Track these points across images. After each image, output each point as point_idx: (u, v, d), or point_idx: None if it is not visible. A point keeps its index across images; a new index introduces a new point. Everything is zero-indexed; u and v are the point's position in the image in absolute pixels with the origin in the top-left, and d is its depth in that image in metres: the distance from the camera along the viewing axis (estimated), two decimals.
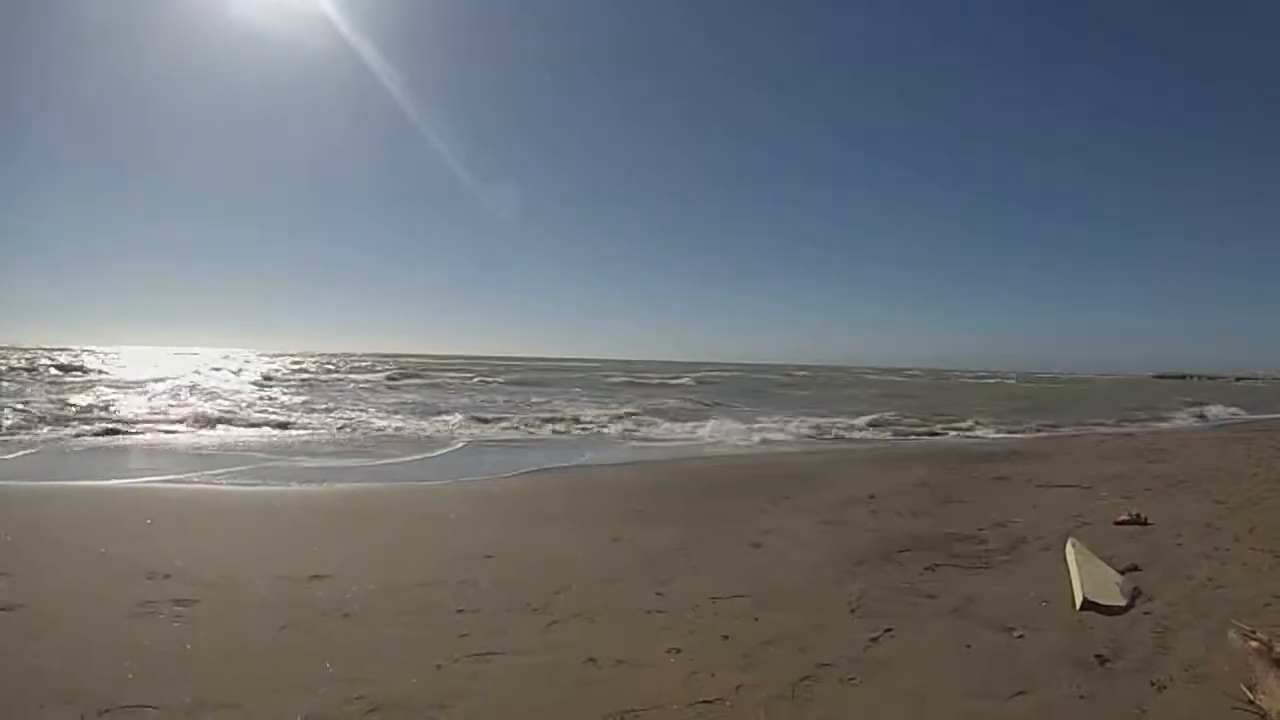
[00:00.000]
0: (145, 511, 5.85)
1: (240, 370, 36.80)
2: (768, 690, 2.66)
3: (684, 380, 37.65)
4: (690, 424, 14.32)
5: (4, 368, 28.38)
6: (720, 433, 13.14)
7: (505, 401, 20.81)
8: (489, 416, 15.48)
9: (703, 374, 47.62)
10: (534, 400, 20.82)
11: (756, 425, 13.94)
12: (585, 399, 21.83)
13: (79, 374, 27.33)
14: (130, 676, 2.73)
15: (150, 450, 10.09)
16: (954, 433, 14.88)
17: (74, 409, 14.13)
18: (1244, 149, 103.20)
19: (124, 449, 10.16)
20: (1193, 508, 6.04)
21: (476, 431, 13.14)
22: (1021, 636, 3.14)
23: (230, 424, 13.20)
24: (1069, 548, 4.31)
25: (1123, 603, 3.57)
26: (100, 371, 29.48)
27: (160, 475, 7.79)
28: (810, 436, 13.35)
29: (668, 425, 14.32)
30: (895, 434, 14.18)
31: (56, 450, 9.83)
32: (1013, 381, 58.88)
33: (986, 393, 36.12)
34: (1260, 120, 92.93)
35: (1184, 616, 3.39)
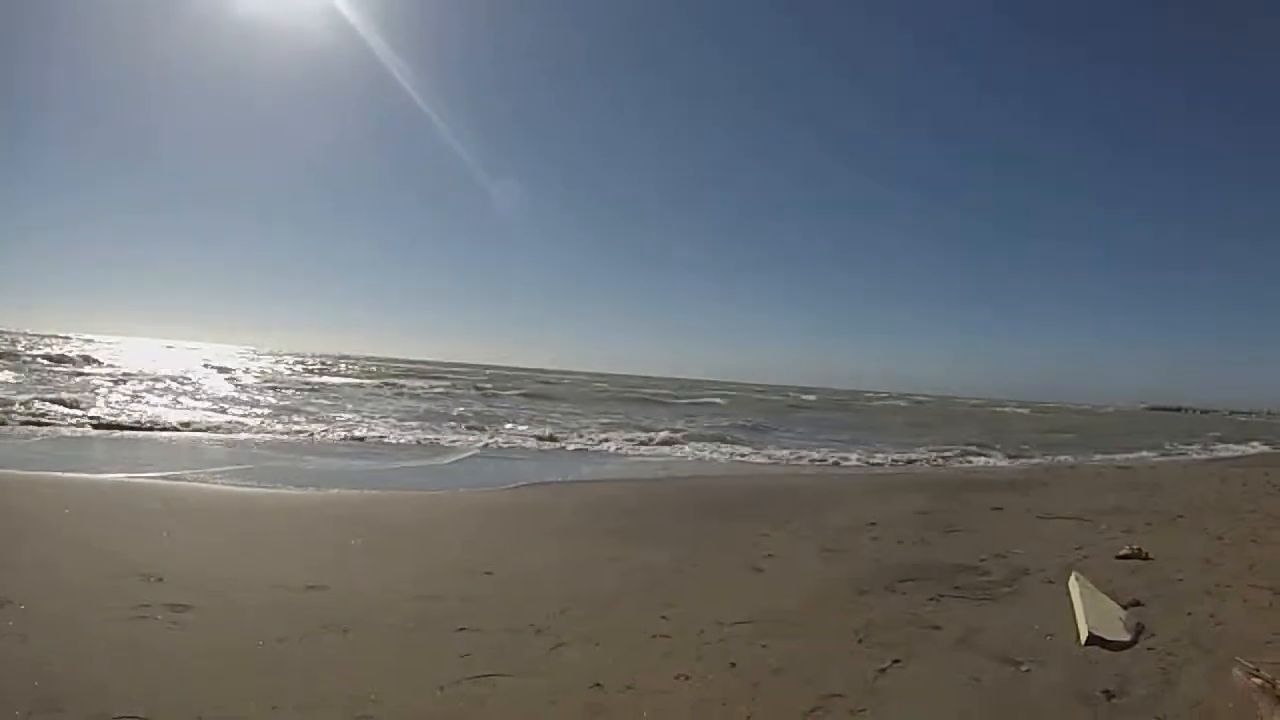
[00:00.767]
0: (140, 508, 5.80)
1: (243, 368, 36.80)
2: None
3: (714, 399, 38.08)
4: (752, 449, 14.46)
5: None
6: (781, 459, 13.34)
7: (519, 412, 20.82)
8: (499, 427, 15.53)
9: (703, 393, 47.77)
10: (551, 415, 20.63)
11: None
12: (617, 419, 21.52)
13: (78, 364, 27.16)
14: (122, 685, 2.66)
15: (147, 445, 10.04)
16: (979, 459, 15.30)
17: (72, 399, 14.07)
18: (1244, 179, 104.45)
19: (121, 442, 10.14)
20: (1192, 543, 6.05)
21: (480, 441, 13.12)
22: (1028, 670, 3.12)
23: (228, 422, 13.20)
24: (1072, 581, 4.31)
25: (1127, 638, 3.56)
26: (100, 362, 29.25)
27: (156, 471, 7.73)
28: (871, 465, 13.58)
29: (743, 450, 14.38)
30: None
31: (54, 440, 9.79)
32: (1026, 412, 59.15)
33: (1018, 423, 36.31)
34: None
35: (1188, 652, 3.38)
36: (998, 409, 63.03)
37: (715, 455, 13.36)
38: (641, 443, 14.32)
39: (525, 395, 30.57)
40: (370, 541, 5.24)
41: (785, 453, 14.25)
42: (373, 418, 15.74)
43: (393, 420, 15.55)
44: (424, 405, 21.32)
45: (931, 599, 4.22)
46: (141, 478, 7.33)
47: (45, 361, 27.33)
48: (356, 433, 12.75)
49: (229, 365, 38.77)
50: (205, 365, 35.82)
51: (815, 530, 6.29)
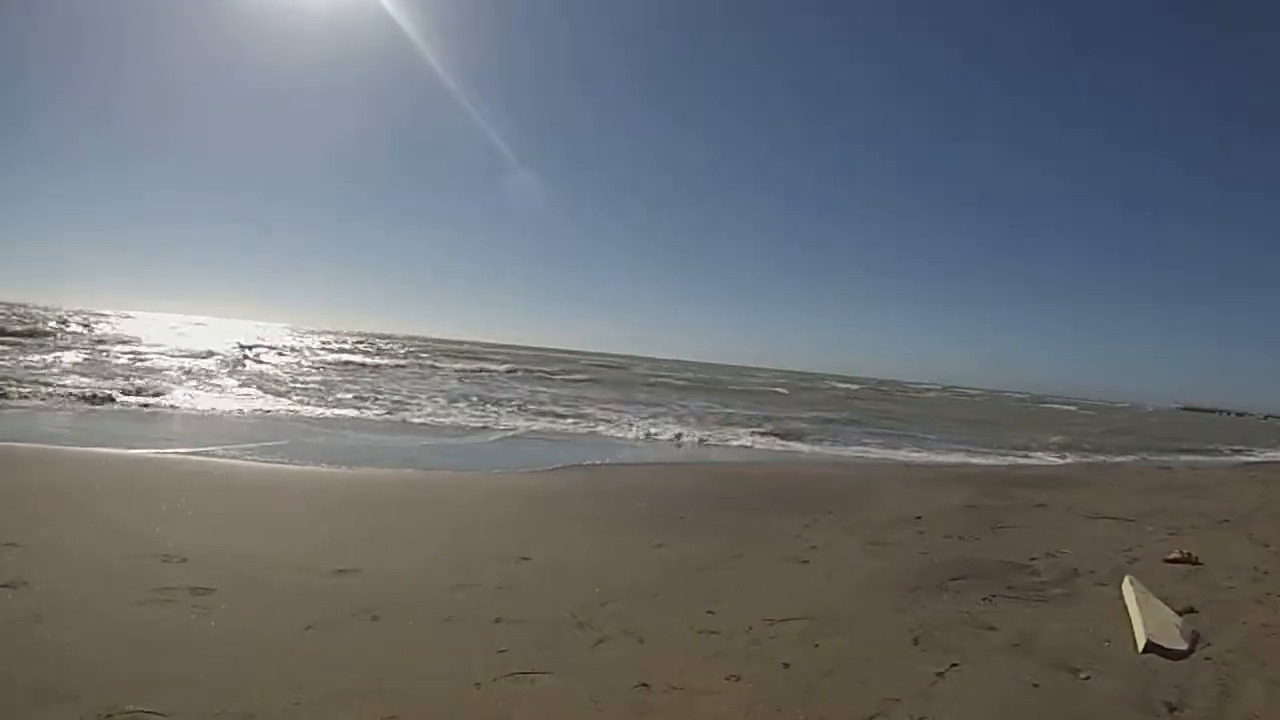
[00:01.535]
0: (165, 485, 5.72)
1: (278, 347, 37.27)
2: None
3: (780, 389, 37.86)
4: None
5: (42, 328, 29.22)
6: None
7: (559, 396, 20.68)
8: (535, 409, 15.48)
9: (745, 381, 47.45)
10: (594, 400, 20.35)
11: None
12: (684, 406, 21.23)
13: (112, 340, 27.63)
14: (140, 673, 2.54)
15: (178, 418, 10.15)
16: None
17: (106, 373, 14.38)
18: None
19: (153, 416, 10.22)
20: (1240, 549, 5.90)
21: (521, 424, 13.07)
22: (1088, 678, 2.98)
23: (265, 398, 13.36)
24: (1126, 585, 4.21)
25: (1184, 646, 3.48)
26: (132, 338, 29.83)
27: (186, 446, 7.74)
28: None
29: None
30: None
31: (84, 414, 9.88)
32: (1073, 409, 58.20)
33: (1086, 424, 35.50)
34: None
35: (1244, 664, 3.29)
36: (1045, 405, 61.72)
37: (761, 445, 13.18)
38: (680, 431, 14.28)
39: (569, 379, 30.58)
40: (404, 523, 5.13)
41: (852, 450, 13.89)
42: (415, 397, 15.79)
43: (438, 399, 15.63)
44: (465, 387, 21.29)
45: (985, 599, 4.07)
46: (171, 453, 7.33)
47: (81, 329, 28.08)
48: (397, 412, 12.83)
49: (276, 343, 39.59)
50: (242, 344, 36.32)
51: (859, 522, 6.14)
